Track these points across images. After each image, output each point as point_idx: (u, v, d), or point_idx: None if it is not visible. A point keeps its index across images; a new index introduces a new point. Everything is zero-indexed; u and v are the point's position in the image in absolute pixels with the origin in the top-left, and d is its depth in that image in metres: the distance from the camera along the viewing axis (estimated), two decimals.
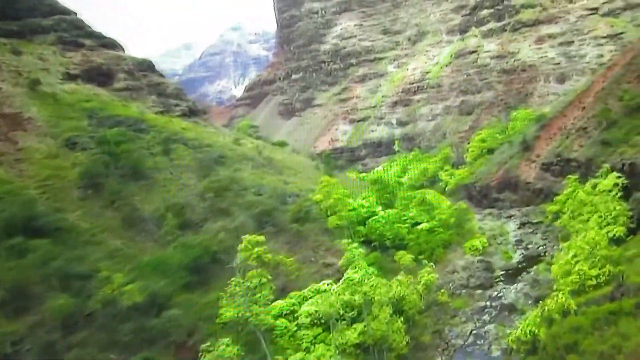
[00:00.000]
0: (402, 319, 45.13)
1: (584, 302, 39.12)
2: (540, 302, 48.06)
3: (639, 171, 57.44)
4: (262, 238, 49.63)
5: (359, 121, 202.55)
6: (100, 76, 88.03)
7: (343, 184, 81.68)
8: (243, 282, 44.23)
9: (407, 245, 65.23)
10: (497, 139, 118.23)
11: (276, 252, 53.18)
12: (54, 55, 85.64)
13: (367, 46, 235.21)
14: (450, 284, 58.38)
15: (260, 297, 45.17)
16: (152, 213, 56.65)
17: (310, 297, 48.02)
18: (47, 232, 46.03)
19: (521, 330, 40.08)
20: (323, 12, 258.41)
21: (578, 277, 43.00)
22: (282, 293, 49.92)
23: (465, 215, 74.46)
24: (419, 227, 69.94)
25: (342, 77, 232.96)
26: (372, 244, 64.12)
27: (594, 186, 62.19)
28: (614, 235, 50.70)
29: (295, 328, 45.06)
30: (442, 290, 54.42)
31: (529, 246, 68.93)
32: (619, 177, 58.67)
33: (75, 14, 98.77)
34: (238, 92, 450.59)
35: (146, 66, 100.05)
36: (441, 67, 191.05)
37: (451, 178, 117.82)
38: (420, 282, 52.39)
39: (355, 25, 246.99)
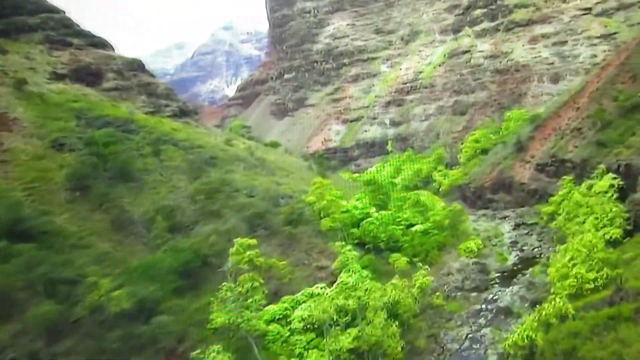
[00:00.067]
0: (396, 323, 44.33)
1: (581, 307, 38.48)
2: (537, 305, 47.94)
3: (635, 172, 56.88)
4: (253, 241, 48.86)
5: (352, 121, 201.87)
6: (89, 76, 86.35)
7: (336, 184, 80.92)
8: (234, 287, 43.31)
9: (402, 247, 64.58)
10: (490, 140, 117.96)
11: (268, 255, 52.42)
12: (41, 54, 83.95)
13: (359, 46, 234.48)
14: (445, 287, 57.72)
15: (252, 302, 44.33)
16: (141, 216, 55.48)
17: (304, 302, 47.31)
18: (32, 236, 44.74)
19: (518, 334, 39.36)
20: (315, 11, 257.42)
21: (575, 280, 42.37)
22: (274, 297, 49.09)
23: (460, 216, 73.82)
24: (414, 228, 69.25)
25: (334, 77, 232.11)
26: (366, 246, 63.38)
27: (590, 187, 61.67)
28: (611, 237, 50.06)
29: (288, 333, 44.27)
30: (437, 293, 53.68)
31: (524, 248, 68.43)
32: (615, 178, 58.19)
33: (64, 12, 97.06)
34: (230, 91, 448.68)
35: (136, 66, 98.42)
36: (434, 67, 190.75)
37: (445, 179, 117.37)
38: (415, 285, 51.61)
39: (347, 24, 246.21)
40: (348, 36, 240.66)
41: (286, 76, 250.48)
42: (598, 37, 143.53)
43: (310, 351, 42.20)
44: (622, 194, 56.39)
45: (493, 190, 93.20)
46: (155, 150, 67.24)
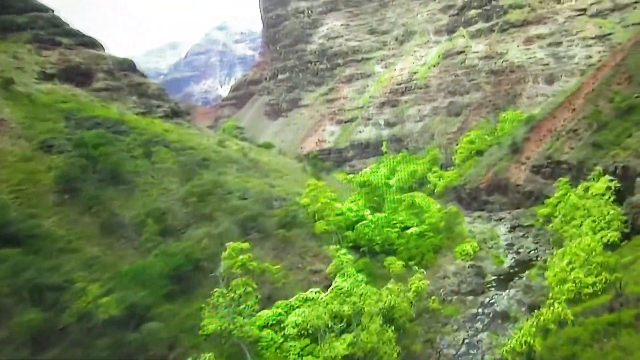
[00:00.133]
0: (392, 328, 43.62)
1: (580, 312, 37.85)
2: (535, 310, 47.33)
3: (632, 174, 56.41)
4: (246, 245, 47.93)
5: (346, 122, 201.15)
6: (79, 76, 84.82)
7: (330, 186, 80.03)
8: (226, 293, 42.33)
9: (397, 250, 63.96)
10: (485, 141, 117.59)
11: (262, 259, 51.46)
12: (29, 53, 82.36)
13: (354, 46, 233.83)
14: (441, 290, 57.16)
15: (244, 307, 43.43)
16: (131, 219, 54.27)
17: (298, 307, 46.32)
18: (19, 240, 43.47)
19: (516, 340, 38.75)
20: (309, 11, 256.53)
21: (574, 285, 41.79)
22: (268, 302, 48.20)
23: (456, 218, 73.25)
24: (409, 231, 68.66)
25: (329, 78, 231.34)
26: (361, 249, 62.58)
27: (586, 189, 61.25)
28: (608, 241, 49.52)
29: (282, 339, 43.30)
30: (433, 297, 53.02)
31: (520, 250, 68.03)
32: (611, 180, 57.72)
33: (52, 11, 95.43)
34: (224, 92, 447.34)
35: (127, 66, 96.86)
36: (429, 68, 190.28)
37: (440, 180, 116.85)
38: (410, 289, 50.90)
39: (342, 25, 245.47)
40: (342, 36, 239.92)
41: (280, 76, 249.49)
42: (593, 38, 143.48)
43: (304, 358, 41.32)
44: (619, 196, 55.96)
45: (488, 192, 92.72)
46: (146, 151, 65.97)
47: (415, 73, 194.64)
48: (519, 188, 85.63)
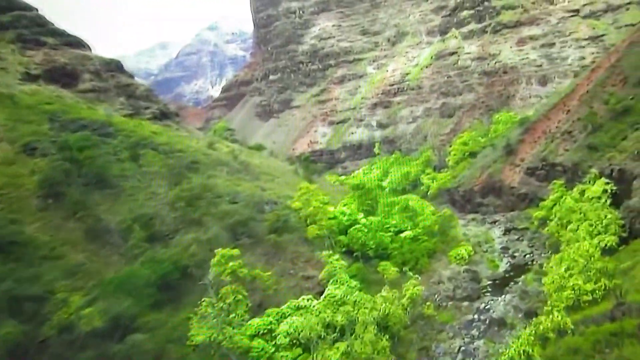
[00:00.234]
0: (386, 336, 42.43)
1: (581, 321, 36.81)
2: (532, 316, 46.42)
3: (628, 177, 55.60)
4: (236, 251, 46.66)
5: (338, 123, 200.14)
6: (64, 77, 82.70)
7: (323, 189, 78.75)
8: (215, 303, 40.93)
9: (391, 255, 62.81)
10: (479, 142, 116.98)
11: (252, 265, 50.15)
12: (12, 54, 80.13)
13: (345, 47, 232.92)
14: (436, 296, 56.04)
15: (234, 317, 42.12)
16: (117, 224, 52.61)
17: (290, 315, 44.89)
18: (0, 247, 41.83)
19: (514, 350, 37.62)
20: (301, 12, 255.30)
21: (573, 292, 40.76)
22: (258, 309, 46.83)
23: (450, 222, 72.25)
24: (403, 235, 67.47)
25: (320, 78, 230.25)
26: (354, 254, 61.34)
27: (582, 192, 60.41)
28: (606, 245, 48.56)
29: (273, 349, 41.84)
30: (428, 303, 51.80)
31: (516, 254, 67.06)
32: (608, 183, 56.91)
33: (37, 10, 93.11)
34: (215, 92, 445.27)
35: (114, 66, 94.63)
36: (421, 69, 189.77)
37: (433, 182, 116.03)
38: (405, 295, 49.71)
39: (333, 25, 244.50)
40: (334, 37, 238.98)
41: (271, 77, 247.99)
42: (586, 39, 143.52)
43: None
44: (616, 200, 55.12)
45: (482, 194, 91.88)
46: (133, 154, 64.22)
47: (407, 74, 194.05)
48: (513, 190, 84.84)
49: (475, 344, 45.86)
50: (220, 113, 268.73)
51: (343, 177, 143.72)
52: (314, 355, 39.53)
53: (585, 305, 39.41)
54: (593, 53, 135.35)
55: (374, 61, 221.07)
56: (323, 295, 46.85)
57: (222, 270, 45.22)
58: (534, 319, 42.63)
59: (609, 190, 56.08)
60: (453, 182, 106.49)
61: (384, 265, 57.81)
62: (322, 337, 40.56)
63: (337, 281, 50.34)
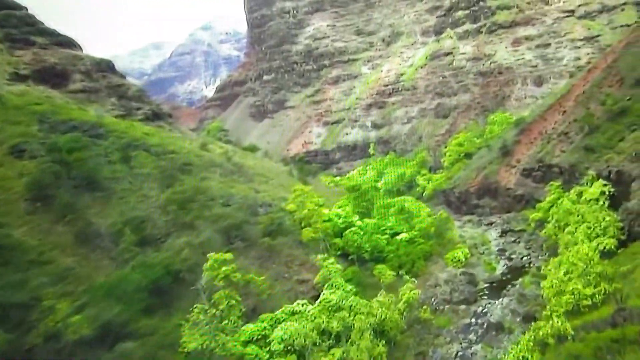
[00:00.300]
0: (383, 342, 41.74)
1: (581, 326, 36.12)
2: (530, 320, 45.83)
3: (627, 179, 55.02)
4: (229, 256, 45.83)
5: (332, 123, 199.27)
6: (54, 77, 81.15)
7: (317, 190, 77.93)
8: (207, 309, 39.95)
9: (387, 258, 62.25)
10: (474, 143, 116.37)
11: (246, 269, 49.32)
12: (0, 53, 78.56)
13: (340, 47, 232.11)
14: (433, 299, 55.49)
15: (227, 323, 41.19)
16: (108, 228, 51.46)
17: (284, 320, 44.05)
18: None
19: (513, 355, 37.22)
20: (295, 11, 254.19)
21: (572, 296, 40.10)
22: (252, 314, 46.07)
23: (446, 224, 71.57)
24: (399, 237, 66.92)
25: (315, 79, 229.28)
26: (350, 257, 60.62)
27: (579, 194, 59.76)
28: (604, 248, 47.95)
29: (267, 356, 41.15)
30: (425, 307, 51.19)
31: (513, 256, 66.52)
32: (605, 185, 56.28)
33: (26, 9, 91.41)
34: (209, 92, 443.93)
35: (105, 66, 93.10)
36: (416, 69, 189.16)
37: (429, 183, 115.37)
38: (401, 299, 48.94)
39: (328, 25, 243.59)
40: (328, 37, 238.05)
41: (265, 77, 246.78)
42: (581, 40, 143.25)
43: None
44: (613, 202, 54.49)
45: (478, 196, 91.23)
46: (124, 156, 62.97)
47: (402, 74, 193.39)
48: (509, 192, 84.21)
49: (472, 348, 45.34)
50: (214, 113, 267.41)
51: (338, 178, 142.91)
52: None
53: (585, 310, 38.82)
54: (588, 54, 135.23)
55: (368, 61, 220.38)
56: (318, 300, 46.01)
57: (215, 275, 44.43)
58: (532, 323, 42.08)
59: (607, 192, 55.42)
60: (448, 183, 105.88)
61: (380, 269, 57.12)
62: (317, 343, 39.77)
63: (332, 285, 49.51)
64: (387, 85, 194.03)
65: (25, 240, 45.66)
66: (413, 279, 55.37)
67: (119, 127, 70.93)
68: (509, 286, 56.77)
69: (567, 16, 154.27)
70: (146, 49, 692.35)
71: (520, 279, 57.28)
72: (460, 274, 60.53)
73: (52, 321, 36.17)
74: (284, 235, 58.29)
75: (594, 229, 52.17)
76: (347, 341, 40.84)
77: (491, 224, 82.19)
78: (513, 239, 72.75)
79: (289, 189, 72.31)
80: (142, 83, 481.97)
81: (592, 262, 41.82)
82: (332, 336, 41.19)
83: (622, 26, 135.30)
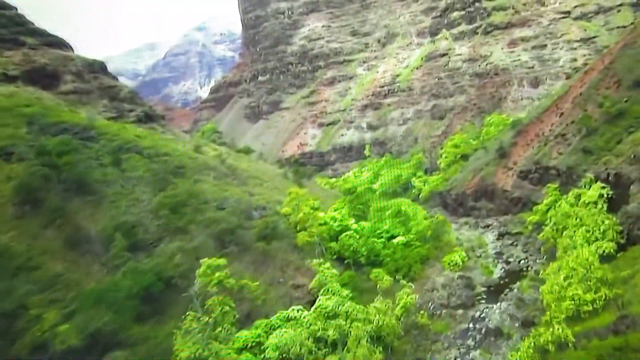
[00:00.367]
0: (380, 348, 40.85)
1: (582, 333, 35.41)
2: (529, 325, 45.13)
3: (625, 182, 54.34)
4: (223, 261, 44.81)
5: (328, 125, 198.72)
6: (44, 78, 79.55)
7: (313, 193, 76.96)
8: (200, 317, 38.95)
9: (383, 262, 61.37)
10: (471, 145, 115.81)
11: (240, 274, 48.25)
12: None
13: (335, 48, 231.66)
14: (430, 304, 54.64)
15: (220, 331, 40.24)
16: (98, 233, 50.38)
17: (279, 326, 43.11)
18: None
19: None
20: (290, 12, 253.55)
21: (572, 302, 39.39)
22: (246, 320, 45.09)
23: (443, 227, 70.77)
24: (395, 241, 66.03)
25: (310, 80, 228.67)
26: (345, 261, 59.69)
27: (577, 197, 59.08)
28: (604, 252, 47.31)
29: None
30: (422, 312, 50.32)
31: (510, 260, 65.70)
32: (604, 187, 55.64)
33: (16, 8, 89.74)
34: (204, 93, 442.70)
35: (97, 67, 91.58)
36: (412, 70, 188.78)
37: (425, 185, 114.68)
38: (398, 304, 48.08)
39: (323, 26, 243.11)
40: (323, 38, 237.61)
41: (260, 78, 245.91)
42: (578, 41, 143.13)
43: None
44: (612, 205, 53.85)
45: (475, 198, 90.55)
46: (116, 159, 61.74)
47: (398, 75, 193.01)
48: (506, 194, 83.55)
49: (471, 354, 44.52)
50: (208, 114, 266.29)
51: (333, 180, 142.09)
52: None
53: (585, 316, 38.22)
54: (585, 55, 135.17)
55: (364, 62, 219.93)
56: (314, 307, 45.00)
57: (209, 281, 43.46)
58: (532, 329, 41.44)
59: (606, 195, 54.76)
60: (445, 185, 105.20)
61: (376, 273, 56.29)
62: (313, 352, 38.86)
63: (328, 291, 48.62)
64: (382, 87, 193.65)
65: (13, 246, 44.61)
66: (410, 284, 54.48)
67: (111, 130, 69.67)
68: (507, 290, 56.01)
69: (563, 17, 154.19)
70: (140, 50, 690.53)
71: (518, 283, 56.51)
72: (457, 278, 59.69)
73: (38, 331, 35.32)
74: (279, 240, 57.27)
75: (592, 232, 51.50)
76: (343, 349, 39.94)
77: (488, 226, 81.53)
78: (510, 241, 72.03)
79: (283, 192, 71.32)
80: (136, 84, 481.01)
81: (592, 267, 41.23)
82: (328, 344, 40.23)
83: (618, 27, 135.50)
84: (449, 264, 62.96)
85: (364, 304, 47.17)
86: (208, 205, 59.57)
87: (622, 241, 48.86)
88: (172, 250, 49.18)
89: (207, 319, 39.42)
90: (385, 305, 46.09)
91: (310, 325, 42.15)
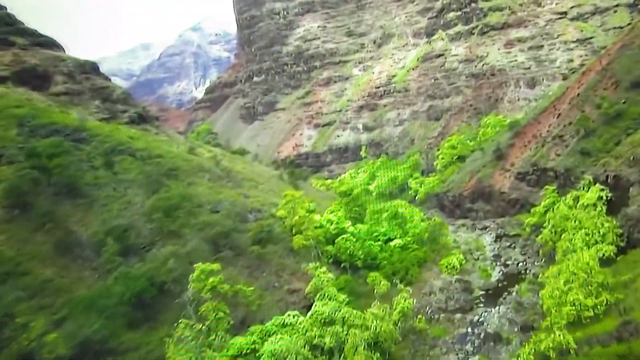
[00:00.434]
0: (377, 354, 40.04)
1: (584, 340, 34.73)
2: (529, 331, 44.45)
3: (624, 184, 53.68)
4: (217, 266, 43.93)
5: (324, 126, 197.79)
6: (35, 79, 78.20)
7: (308, 195, 76.14)
8: (193, 324, 37.98)
9: (380, 265, 60.69)
10: (468, 146, 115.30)
11: (235, 278, 47.42)
12: None
13: (331, 48, 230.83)
14: (428, 308, 53.99)
15: (214, 338, 39.25)
16: (89, 237, 49.50)
17: (274, 333, 42.12)
18: None
19: None
20: (285, 12, 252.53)
21: (573, 307, 38.73)
22: (241, 326, 44.22)
23: (440, 229, 70.05)
24: (392, 243, 65.40)
25: (305, 80, 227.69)
26: (342, 265, 58.84)
27: (576, 199, 58.45)
28: (603, 255, 46.63)
29: None
30: (420, 316, 49.59)
31: (508, 262, 65.12)
32: (603, 190, 54.99)
33: (5, 8, 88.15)
34: (199, 93, 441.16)
35: (89, 68, 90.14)
36: (408, 71, 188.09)
37: (421, 186, 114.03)
38: (396, 309, 47.23)
39: (318, 26, 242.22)
40: (319, 38, 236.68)
41: (255, 79, 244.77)
42: (574, 42, 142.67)
43: None
44: (611, 207, 53.21)
45: (472, 199, 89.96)
46: (108, 161, 60.63)
47: (394, 76, 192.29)
48: (503, 196, 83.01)
49: None
50: (203, 115, 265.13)
51: (329, 181, 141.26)
52: None
53: (587, 322, 37.64)
54: (581, 55, 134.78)
55: (359, 63, 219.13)
56: (310, 312, 44.08)
57: (202, 287, 42.49)
58: (532, 334, 40.81)
59: (605, 197, 54.12)
60: (442, 187, 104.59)
61: (373, 276, 55.25)
62: None
63: (324, 295, 47.60)
64: (378, 87, 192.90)
65: (1, 251, 43.74)
66: (407, 288, 53.65)
67: (103, 131, 68.56)
68: (505, 294, 55.44)
69: (560, 18, 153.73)
70: (135, 50, 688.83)
71: (516, 286, 56.02)
72: (455, 281, 59.25)
73: (26, 340, 34.31)
74: (274, 243, 56.44)
75: (592, 235, 50.88)
76: (340, 356, 39.09)
77: (485, 228, 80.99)
78: (508, 244, 71.46)
79: (279, 194, 70.44)
80: (131, 84, 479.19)
81: (593, 271, 40.61)
82: (325, 351, 39.33)
83: (614, 28, 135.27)
84: (446, 267, 62.31)
85: (361, 308, 46.45)
86: (202, 208, 58.64)
87: (622, 244, 48.26)
88: (165, 255, 48.16)
89: (200, 326, 38.50)
90: (383, 310, 45.21)
91: (307, 331, 41.24)
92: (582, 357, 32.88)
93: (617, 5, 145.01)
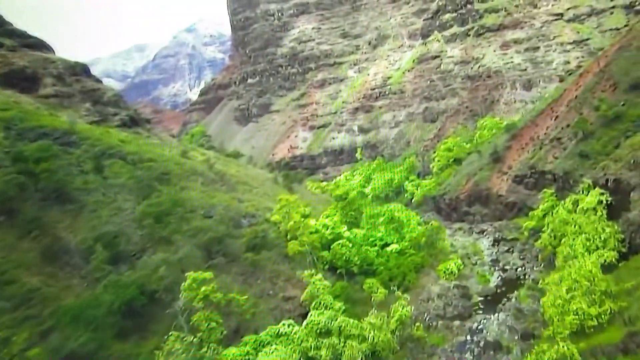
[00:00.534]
0: None
1: (589, 351, 33.73)
2: (530, 339, 43.40)
3: (625, 188, 52.71)
4: (209, 274, 42.64)
5: (319, 128, 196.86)
6: (23, 81, 76.48)
7: (303, 198, 74.80)
8: (184, 338, 36.62)
9: (377, 271, 59.51)
10: (464, 149, 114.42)
11: (228, 286, 46.09)
12: None
13: (326, 50, 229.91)
14: (426, 315, 52.79)
15: (206, 350, 37.96)
16: (78, 244, 47.92)
17: (269, 343, 40.90)
18: None
19: None
20: (279, 14, 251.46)
21: (576, 316, 37.68)
22: (234, 336, 43.01)
23: (437, 233, 68.88)
24: (389, 248, 64.29)
25: (300, 82, 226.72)
26: (338, 271, 57.62)
27: (575, 203, 57.46)
28: (605, 261, 45.62)
29: None
30: (417, 323, 48.49)
31: (507, 267, 64.05)
32: (603, 193, 54.01)
33: None
34: (193, 95, 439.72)
35: (79, 70, 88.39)
36: (403, 73, 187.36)
37: (417, 189, 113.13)
38: (393, 317, 46.02)
39: (313, 28, 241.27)
40: (314, 40, 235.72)
41: (250, 81, 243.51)
42: (570, 43, 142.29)
43: None
44: (612, 212, 52.23)
45: (469, 203, 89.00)
46: (98, 165, 59.08)
47: (389, 78, 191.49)
48: (501, 199, 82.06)
49: None
50: (198, 117, 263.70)
51: (324, 184, 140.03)
52: None
53: (590, 332, 36.67)
54: (578, 57, 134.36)
55: (354, 64, 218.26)
56: (305, 322, 42.84)
57: (194, 296, 41.22)
58: (533, 343, 39.74)
59: (605, 202, 53.12)
60: (438, 190, 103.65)
61: (370, 283, 54.06)
62: None
63: (320, 304, 46.47)
64: (373, 89, 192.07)
65: None
66: (405, 295, 52.49)
67: (93, 134, 67.00)
68: (505, 300, 54.37)
69: (556, 19, 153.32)
70: (129, 51, 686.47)
71: (515, 292, 54.87)
72: (453, 287, 58.08)
73: (7, 355, 32.63)
74: (269, 249, 55.14)
75: (593, 240, 49.85)
76: None
77: (482, 232, 80.00)
78: (506, 248, 70.47)
79: (274, 198, 69.18)
80: (126, 86, 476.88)
81: (595, 278, 39.58)
82: None
83: (611, 29, 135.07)
84: (444, 272, 61.23)
85: (358, 316, 45.44)
86: (194, 213, 57.24)
87: (623, 250, 47.27)
88: (156, 262, 46.59)
89: (191, 338, 37.18)
90: (380, 319, 44.02)
91: (302, 342, 40.04)
92: None
93: (613, 7, 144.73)
